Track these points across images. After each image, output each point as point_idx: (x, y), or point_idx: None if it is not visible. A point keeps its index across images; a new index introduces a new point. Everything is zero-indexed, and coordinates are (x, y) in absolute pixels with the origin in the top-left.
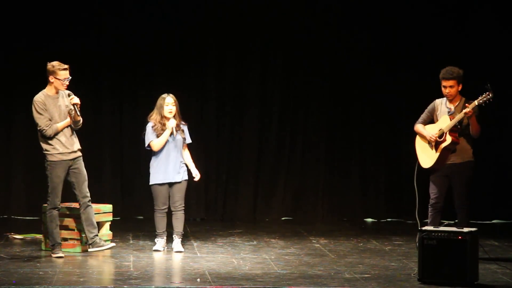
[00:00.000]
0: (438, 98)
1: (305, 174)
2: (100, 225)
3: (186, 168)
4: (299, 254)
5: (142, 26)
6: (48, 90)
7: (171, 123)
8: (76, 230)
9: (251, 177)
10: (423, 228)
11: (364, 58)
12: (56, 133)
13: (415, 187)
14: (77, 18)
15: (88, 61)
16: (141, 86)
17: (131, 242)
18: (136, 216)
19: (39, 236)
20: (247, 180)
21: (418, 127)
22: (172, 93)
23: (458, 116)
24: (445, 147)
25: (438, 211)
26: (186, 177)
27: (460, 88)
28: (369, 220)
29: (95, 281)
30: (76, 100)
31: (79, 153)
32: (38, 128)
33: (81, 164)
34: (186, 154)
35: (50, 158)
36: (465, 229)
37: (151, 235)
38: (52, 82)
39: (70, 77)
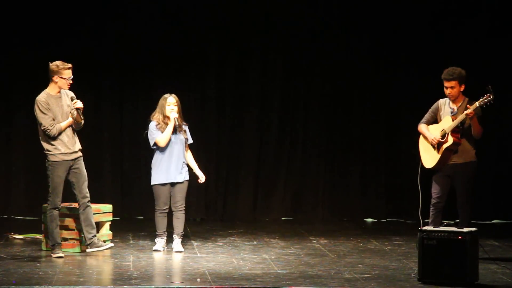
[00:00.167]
0: (438, 98)
1: (305, 174)
2: (100, 225)
3: (187, 168)
4: (299, 254)
5: (142, 26)
6: (50, 90)
7: (173, 115)
8: (76, 230)
9: (251, 177)
10: (423, 228)
11: (364, 58)
12: (60, 133)
13: (419, 186)
14: (77, 18)
15: (88, 61)
16: (141, 86)
17: (131, 242)
18: (136, 216)
19: (39, 236)
20: (247, 180)
21: (422, 127)
22: (172, 93)
23: (460, 117)
24: (447, 148)
25: (439, 211)
26: (188, 177)
27: (462, 88)
28: (369, 220)
29: (95, 281)
30: (80, 104)
31: (80, 153)
32: (42, 128)
33: (81, 164)
34: (189, 155)
35: (51, 158)
36: (465, 229)
37: (151, 235)
38: (57, 82)
39: (72, 76)
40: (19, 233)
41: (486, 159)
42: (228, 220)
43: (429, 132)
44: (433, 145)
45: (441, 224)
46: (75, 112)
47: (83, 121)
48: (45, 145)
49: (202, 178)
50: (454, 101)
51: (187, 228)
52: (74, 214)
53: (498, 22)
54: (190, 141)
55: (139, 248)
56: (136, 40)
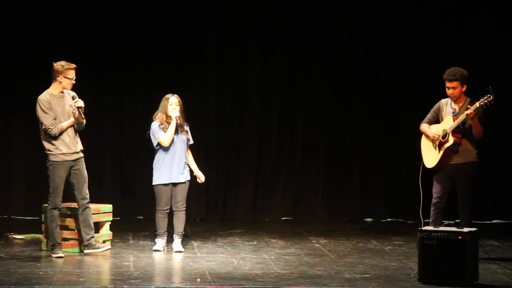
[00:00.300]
0: (438, 98)
1: (305, 174)
2: (100, 225)
3: (189, 168)
4: (299, 254)
5: (143, 26)
6: (53, 90)
7: (174, 113)
8: (76, 230)
9: (251, 177)
10: (423, 228)
11: (364, 58)
12: (61, 132)
13: (420, 186)
14: (77, 18)
15: (89, 61)
16: (141, 86)
17: (131, 242)
18: (136, 216)
19: (39, 236)
20: (247, 180)
21: (423, 126)
22: (174, 94)
23: (461, 117)
24: (448, 148)
25: (440, 211)
26: (189, 178)
27: (464, 89)
28: (369, 220)
29: (95, 281)
30: (81, 103)
31: (81, 154)
32: (44, 127)
33: (82, 165)
34: (189, 156)
35: (52, 158)
36: (465, 229)
37: (151, 235)
38: (61, 82)
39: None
40: (19, 233)
41: (486, 159)
42: (228, 220)
43: (431, 130)
44: (434, 145)
45: (442, 224)
46: (77, 112)
47: (84, 121)
48: (46, 144)
49: (201, 178)
50: (456, 101)
51: (187, 228)
52: (74, 214)
53: (500, 22)
54: (191, 141)
55: (139, 248)
56: (136, 40)
